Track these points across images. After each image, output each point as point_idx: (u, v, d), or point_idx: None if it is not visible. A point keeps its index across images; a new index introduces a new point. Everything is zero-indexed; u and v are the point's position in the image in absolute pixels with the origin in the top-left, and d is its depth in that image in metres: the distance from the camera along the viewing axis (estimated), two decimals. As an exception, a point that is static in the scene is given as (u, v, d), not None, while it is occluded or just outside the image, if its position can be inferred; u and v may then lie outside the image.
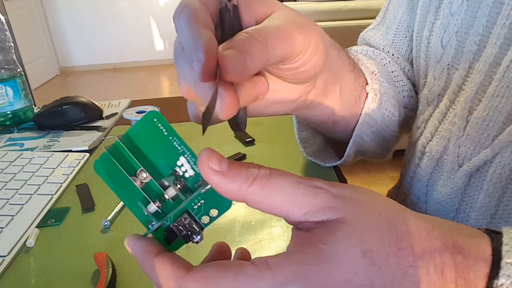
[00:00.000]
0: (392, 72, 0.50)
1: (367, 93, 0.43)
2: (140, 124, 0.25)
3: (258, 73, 0.30)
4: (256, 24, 0.28)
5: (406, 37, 0.50)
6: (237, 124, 0.30)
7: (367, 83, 0.43)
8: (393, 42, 0.51)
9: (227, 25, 0.28)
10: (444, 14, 0.40)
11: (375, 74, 0.45)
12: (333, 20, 1.84)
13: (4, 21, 0.74)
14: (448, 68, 0.39)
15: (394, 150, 0.55)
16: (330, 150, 0.54)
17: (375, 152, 0.50)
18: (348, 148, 0.45)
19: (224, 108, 0.25)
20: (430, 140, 0.41)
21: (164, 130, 0.25)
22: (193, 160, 0.25)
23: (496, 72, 0.33)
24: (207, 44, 0.24)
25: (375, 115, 0.44)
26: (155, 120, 0.25)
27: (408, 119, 0.51)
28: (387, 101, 0.45)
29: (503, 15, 0.33)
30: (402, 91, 0.49)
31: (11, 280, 0.39)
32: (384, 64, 0.50)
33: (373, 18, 0.57)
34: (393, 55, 0.51)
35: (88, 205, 0.49)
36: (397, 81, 0.49)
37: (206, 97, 0.25)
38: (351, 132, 0.44)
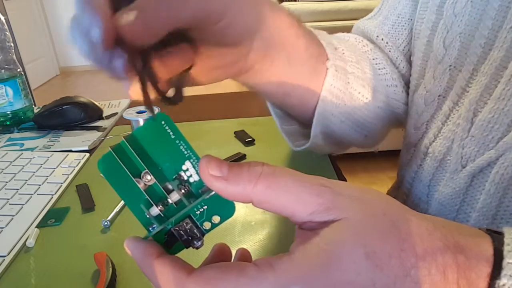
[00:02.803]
0: (373, 59, 0.48)
1: (327, 69, 0.42)
2: (147, 125, 0.24)
3: (185, 42, 0.29)
4: None
5: (405, 29, 0.48)
6: (171, 97, 0.29)
7: (328, 58, 0.42)
8: (389, 33, 0.49)
9: None
10: (447, 14, 0.39)
11: (344, 53, 0.44)
12: (333, 20, 1.84)
13: (4, 21, 0.74)
14: (450, 69, 0.39)
15: (380, 139, 0.53)
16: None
17: (353, 138, 0.49)
18: (313, 126, 0.44)
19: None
20: (433, 141, 0.40)
21: (171, 133, 0.24)
22: None
23: (502, 75, 0.33)
24: (100, 9, 0.24)
25: (341, 94, 0.43)
26: (163, 122, 0.24)
27: (394, 109, 0.49)
28: (355, 81, 0.44)
29: (510, 19, 0.33)
30: (385, 79, 0.48)
31: (11, 280, 0.39)
32: (365, 51, 0.49)
33: (374, 18, 0.56)
34: (387, 43, 0.49)
35: (88, 205, 0.49)
36: (379, 69, 0.48)
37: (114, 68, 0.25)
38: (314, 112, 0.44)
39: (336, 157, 0.58)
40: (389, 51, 0.49)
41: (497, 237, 0.22)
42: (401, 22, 0.48)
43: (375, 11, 0.53)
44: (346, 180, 0.53)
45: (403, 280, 0.20)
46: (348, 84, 0.43)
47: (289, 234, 0.25)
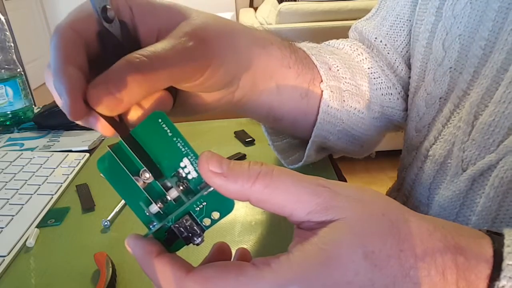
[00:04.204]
0: (369, 68, 0.48)
1: (322, 91, 0.42)
2: (145, 124, 0.25)
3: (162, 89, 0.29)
4: (157, 37, 0.27)
5: (404, 30, 0.48)
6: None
7: (322, 80, 0.42)
8: (387, 34, 0.49)
9: (110, 47, 0.27)
10: (447, 16, 0.39)
11: (338, 70, 0.44)
12: (333, 20, 1.84)
13: (4, 21, 0.74)
14: (450, 71, 0.39)
15: (375, 146, 0.54)
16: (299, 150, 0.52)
17: (348, 150, 0.50)
18: (307, 148, 0.45)
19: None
20: (433, 144, 0.40)
21: (168, 130, 0.24)
22: (197, 161, 0.24)
23: (503, 78, 0.33)
24: (71, 85, 0.24)
25: (339, 114, 0.43)
26: (159, 120, 0.24)
27: (389, 117, 0.50)
28: (350, 98, 0.44)
29: (510, 21, 0.32)
30: (380, 88, 0.48)
31: (11, 280, 0.39)
32: (360, 60, 0.49)
33: (373, 18, 0.56)
34: (385, 45, 0.49)
35: (88, 205, 0.49)
36: (374, 78, 0.48)
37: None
38: (312, 130, 0.44)
39: (336, 157, 0.58)
40: (388, 53, 0.49)
41: (497, 239, 0.22)
42: (399, 23, 0.48)
43: (372, 12, 0.53)
44: (346, 181, 0.53)
45: (402, 280, 0.20)
46: (343, 102, 0.44)
47: (289, 234, 0.25)
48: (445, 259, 0.21)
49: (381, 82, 0.48)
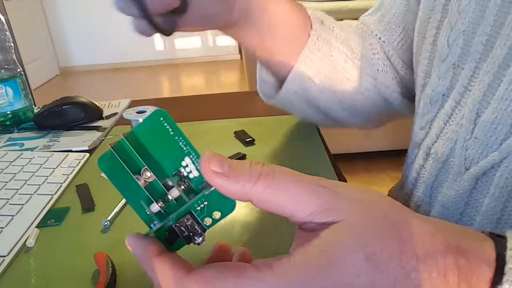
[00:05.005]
0: (370, 44, 0.52)
1: (309, 37, 0.48)
2: (146, 122, 0.25)
3: None
4: None
5: (399, 26, 0.51)
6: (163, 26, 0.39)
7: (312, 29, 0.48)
8: (384, 29, 0.52)
9: None
10: (452, 12, 0.38)
11: (332, 29, 0.49)
12: (333, 20, 1.84)
13: (4, 21, 0.74)
14: (453, 68, 0.38)
15: (373, 121, 0.57)
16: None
17: (337, 112, 0.53)
18: (286, 81, 0.50)
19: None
20: (435, 142, 0.40)
21: (170, 129, 0.24)
22: (198, 161, 0.24)
23: (505, 74, 0.32)
24: None
25: (322, 64, 0.48)
26: (161, 119, 0.24)
27: (386, 97, 0.52)
28: (339, 56, 0.48)
29: None
30: (377, 64, 0.51)
31: (11, 280, 0.39)
32: (363, 35, 0.52)
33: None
34: (384, 42, 0.52)
35: (88, 205, 0.49)
36: (373, 53, 0.51)
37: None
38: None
39: (336, 157, 0.58)
40: (385, 48, 0.52)
41: (500, 242, 0.22)
42: (395, 21, 0.50)
43: (375, 6, 0.56)
44: (346, 181, 0.53)
45: (404, 282, 0.20)
46: (331, 56, 0.47)
47: (290, 234, 0.25)
48: (447, 261, 0.21)
49: (379, 59, 0.51)
